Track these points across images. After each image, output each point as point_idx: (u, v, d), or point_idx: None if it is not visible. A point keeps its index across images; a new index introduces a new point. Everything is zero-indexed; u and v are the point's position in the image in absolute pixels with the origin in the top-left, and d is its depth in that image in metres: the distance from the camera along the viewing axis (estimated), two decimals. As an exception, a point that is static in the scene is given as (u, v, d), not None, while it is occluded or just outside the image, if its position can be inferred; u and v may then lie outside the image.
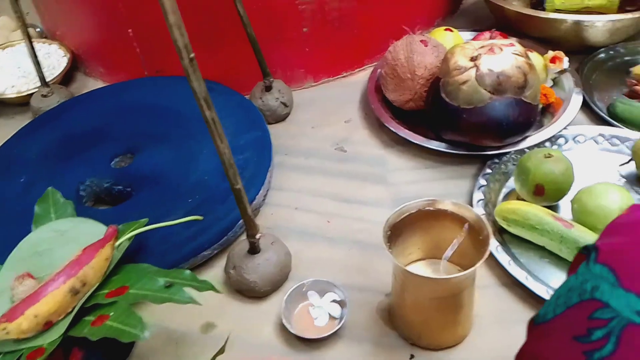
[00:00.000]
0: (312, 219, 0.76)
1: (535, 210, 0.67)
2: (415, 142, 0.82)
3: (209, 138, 0.83)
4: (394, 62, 0.85)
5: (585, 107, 0.86)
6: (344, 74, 1.01)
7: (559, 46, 0.93)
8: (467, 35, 0.98)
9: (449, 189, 0.78)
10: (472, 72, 0.73)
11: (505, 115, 0.73)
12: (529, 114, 0.75)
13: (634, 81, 0.82)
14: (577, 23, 0.88)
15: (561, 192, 0.70)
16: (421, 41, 0.84)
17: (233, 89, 0.92)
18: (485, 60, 0.72)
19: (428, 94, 0.81)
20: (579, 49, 0.94)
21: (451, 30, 0.94)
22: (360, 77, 0.99)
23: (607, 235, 0.39)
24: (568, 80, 0.88)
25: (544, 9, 0.90)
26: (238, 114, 0.86)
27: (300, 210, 0.78)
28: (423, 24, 1.05)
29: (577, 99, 0.84)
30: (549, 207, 0.71)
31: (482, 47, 0.75)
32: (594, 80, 0.91)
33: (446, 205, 0.57)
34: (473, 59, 0.73)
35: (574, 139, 0.80)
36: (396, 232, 0.58)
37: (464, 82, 0.73)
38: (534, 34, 0.95)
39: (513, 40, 0.78)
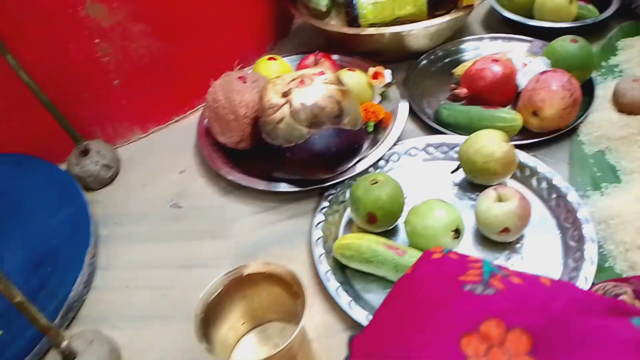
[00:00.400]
0: (147, 297, 0.69)
1: (367, 243, 0.64)
2: (250, 185, 0.77)
3: (17, 227, 0.74)
4: (215, 104, 0.79)
5: (416, 117, 0.86)
6: (175, 119, 0.95)
7: (387, 57, 0.93)
8: (294, 60, 0.95)
9: (290, 229, 0.74)
10: (285, 109, 0.69)
11: (327, 147, 0.70)
12: (351, 141, 0.72)
13: (453, 85, 0.83)
14: (395, 34, 0.88)
15: (393, 216, 0.68)
16: (239, 78, 0.80)
17: (47, 159, 0.82)
18: (297, 94, 0.69)
19: (252, 134, 0.77)
20: (407, 56, 0.94)
21: (275, 59, 0.90)
22: (193, 120, 0.93)
23: (383, 306, 0.36)
24: (396, 93, 0.87)
25: (359, 25, 0.89)
26: (49, 190, 0.76)
27: (133, 289, 0.70)
28: (253, 52, 1.00)
29: (403, 113, 0.83)
30: (388, 231, 0.70)
31: (293, 80, 0.72)
32: (423, 88, 0.91)
33: (255, 267, 0.53)
34: (285, 95, 0.70)
35: (406, 153, 0.80)
36: (216, 309, 0.53)
37: (280, 121, 0.69)
38: (361, 50, 0.94)
39: (331, 64, 0.75)
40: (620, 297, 0.46)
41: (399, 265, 0.62)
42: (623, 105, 0.76)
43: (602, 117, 0.78)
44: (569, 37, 0.82)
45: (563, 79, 0.75)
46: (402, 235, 0.69)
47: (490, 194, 0.65)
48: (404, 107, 0.85)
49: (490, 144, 0.69)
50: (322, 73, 0.72)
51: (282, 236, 0.73)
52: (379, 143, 0.80)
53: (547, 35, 0.93)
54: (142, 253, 0.74)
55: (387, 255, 0.63)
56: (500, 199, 0.65)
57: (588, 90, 0.82)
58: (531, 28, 0.96)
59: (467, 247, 0.67)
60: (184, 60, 0.89)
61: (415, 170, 0.78)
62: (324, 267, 0.66)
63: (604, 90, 0.82)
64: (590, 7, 0.97)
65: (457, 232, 0.63)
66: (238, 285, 0.53)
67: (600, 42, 0.94)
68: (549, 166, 0.73)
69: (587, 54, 0.80)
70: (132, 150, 0.90)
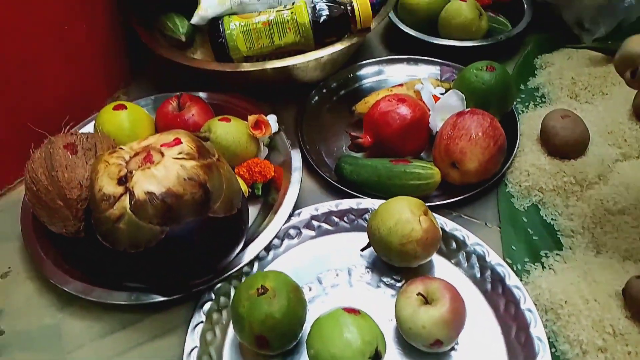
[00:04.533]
0: None
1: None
2: (95, 300, 0.56)
3: None
4: (35, 187, 0.57)
5: (314, 171, 0.69)
6: (2, 191, 0.70)
7: (271, 91, 0.74)
8: (155, 104, 0.74)
9: (155, 358, 0.54)
10: (125, 202, 0.48)
11: (192, 246, 0.51)
12: (228, 230, 0.53)
13: (354, 133, 0.67)
14: (279, 70, 0.69)
15: (290, 337, 0.50)
16: (66, 147, 0.58)
17: None
18: (140, 179, 0.49)
19: (85, 229, 0.56)
20: (296, 89, 0.77)
21: (124, 107, 0.68)
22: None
23: None
24: (286, 141, 0.69)
25: (230, 59, 0.69)
26: None
27: None
28: (95, 99, 0.76)
29: (297, 169, 0.66)
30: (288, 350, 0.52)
31: (135, 155, 0.51)
32: (318, 132, 0.74)
33: None
34: (122, 182, 0.49)
35: (305, 226, 0.62)
36: None
37: (119, 219, 0.49)
38: (240, 87, 0.74)
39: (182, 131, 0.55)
40: None
41: (301, 418, 0.45)
42: (554, 148, 0.64)
43: (530, 161, 0.65)
44: (484, 63, 0.68)
45: (484, 124, 0.61)
46: (305, 356, 0.52)
47: (412, 295, 0.50)
48: (297, 160, 0.67)
49: (407, 219, 0.53)
50: (176, 142, 0.52)
51: (144, 369, 0.54)
52: (268, 217, 0.62)
53: (457, 54, 0.80)
54: None
55: (284, 404, 0.45)
56: (426, 301, 0.50)
57: (508, 124, 0.69)
58: (438, 47, 0.82)
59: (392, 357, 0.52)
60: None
61: (317, 248, 0.61)
62: None
63: (527, 125, 0.70)
64: (501, 18, 0.85)
65: (377, 357, 0.47)
66: None
67: (514, 60, 0.82)
68: (477, 231, 0.60)
69: (506, 84, 0.67)
70: None
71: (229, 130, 0.65)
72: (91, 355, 0.55)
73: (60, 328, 0.57)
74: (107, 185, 0.49)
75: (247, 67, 0.69)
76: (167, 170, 0.49)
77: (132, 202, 0.48)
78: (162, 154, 0.51)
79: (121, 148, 0.52)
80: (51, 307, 0.59)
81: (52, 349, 0.56)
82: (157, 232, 0.49)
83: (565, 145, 0.63)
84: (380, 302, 0.56)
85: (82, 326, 0.57)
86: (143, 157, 0.51)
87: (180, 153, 0.51)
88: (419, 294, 0.49)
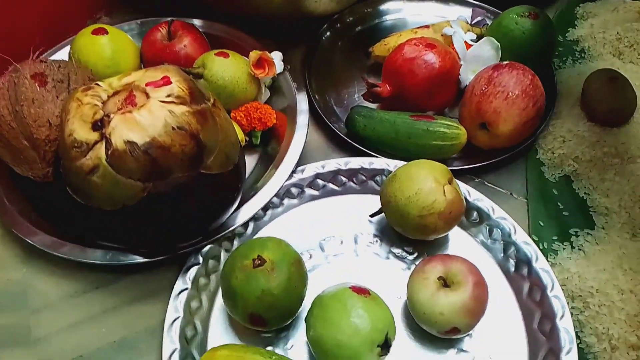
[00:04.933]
0: None
1: (251, 370, 0.41)
2: (65, 256, 0.49)
3: None
4: (-5, 122, 0.48)
5: (321, 121, 0.61)
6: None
7: (277, 22, 0.65)
8: (140, 30, 0.64)
9: (133, 324, 0.48)
10: (101, 152, 0.40)
11: (177, 207, 0.43)
12: (221, 190, 0.46)
13: (371, 80, 0.58)
14: (287, -4, 0.60)
15: (287, 315, 0.44)
16: (33, 76, 0.49)
17: None
18: (119, 125, 0.40)
19: (54, 175, 0.48)
20: (307, 21, 0.67)
21: (105, 32, 0.59)
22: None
23: None
24: (291, 84, 0.61)
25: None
26: None
27: None
28: (71, 22, 0.65)
29: (303, 116, 0.58)
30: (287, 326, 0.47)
31: (114, 94, 0.43)
32: (329, 73, 0.65)
33: None
34: (98, 127, 0.41)
35: (308, 185, 0.55)
36: None
37: (93, 171, 0.41)
38: (241, 13, 0.64)
39: (171, 68, 0.46)
40: None
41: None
42: (596, 113, 0.56)
43: (566, 126, 0.57)
44: (526, 8, 0.59)
45: (524, 81, 0.53)
46: (302, 331, 0.46)
47: (430, 276, 0.44)
48: (303, 104, 0.59)
49: (429, 189, 0.46)
50: (165, 81, 0.43)
51: (120, 338, 0.47)
52: (267, 172, 0.54)
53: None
54: None
55: (279, 393, 0.40)
56: (445, 283, 0.44)
57: (544, 82, 0.60)
58: (468, -15, 0.72)
59: (400, 344, 0.46)
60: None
61: (321, 210, 0.54)
62: (182, 406, 0.42)
63: (565, 84, 0.62)
64: (542, -43, 0.75)
65: (386, 345, 0.41)
66: None
67: (553, 8, 0.72)
68: (501, 202, 0.53)
69: (550, 35, 0.59)
70: None
71: (226, 68, 0.56)
72: (60, 316, 0.49)
73: (25, 284, 0.50)
74: (79, 130, 0.41)
75: (251, -8, 0.59)
76: (152, 116, 0.41)
77: (109, 153, 0.40)
78: (147, 95, 0.42)
79: (97, 84, 0.43)
80: (15, 258, 0.52)
81: (15, 306, 0.49)
82: (138, 189, 0.41)
83: (610, 112, 0.56)
84: (388, 276, 0.50)
85: (50, 283, 0.50)
86: (124, 97, 0.42)
87: (169, 95, 0.42)
88: (439, 277, 0.43)
